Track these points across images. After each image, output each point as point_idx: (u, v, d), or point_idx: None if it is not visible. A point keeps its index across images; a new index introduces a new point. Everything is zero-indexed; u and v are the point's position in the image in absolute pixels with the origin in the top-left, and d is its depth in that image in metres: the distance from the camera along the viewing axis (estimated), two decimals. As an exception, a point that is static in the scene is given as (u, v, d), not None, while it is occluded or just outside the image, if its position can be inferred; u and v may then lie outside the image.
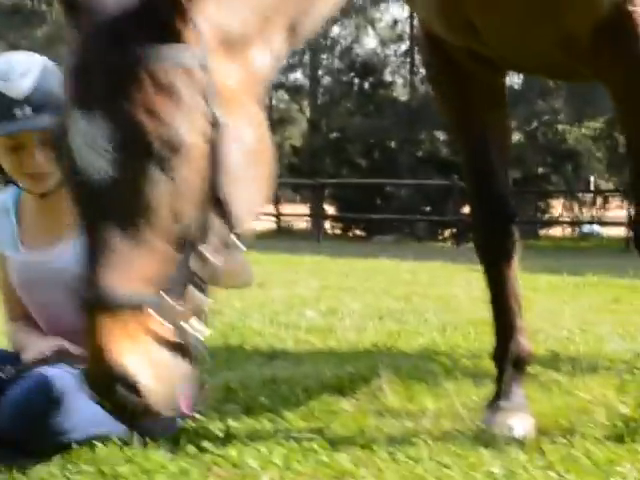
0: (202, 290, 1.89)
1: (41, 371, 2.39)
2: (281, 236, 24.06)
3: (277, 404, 3.16)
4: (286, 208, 30.71)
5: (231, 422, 2.86)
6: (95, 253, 1.80)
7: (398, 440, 2.74)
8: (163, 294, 1.79)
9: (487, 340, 4.54)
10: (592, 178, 29.92)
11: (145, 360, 1.77)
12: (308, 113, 34.04)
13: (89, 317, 1.78)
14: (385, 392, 3.27)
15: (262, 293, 7.04)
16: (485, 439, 2.75)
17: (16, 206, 2.75)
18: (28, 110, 2.46)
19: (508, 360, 2.98)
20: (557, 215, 29.53)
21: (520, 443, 2.71)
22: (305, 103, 35.20)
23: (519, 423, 2.86)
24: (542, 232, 26.19)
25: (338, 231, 27.29)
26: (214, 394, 3.18)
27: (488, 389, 3.29)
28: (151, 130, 1.75)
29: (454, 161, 24.47)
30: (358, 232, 26.76)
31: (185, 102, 1.79)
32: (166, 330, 1.80)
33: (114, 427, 2.47)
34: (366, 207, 24.16)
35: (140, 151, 1.77)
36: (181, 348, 1.84)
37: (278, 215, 28.44)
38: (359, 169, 28.31)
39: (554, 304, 6.76)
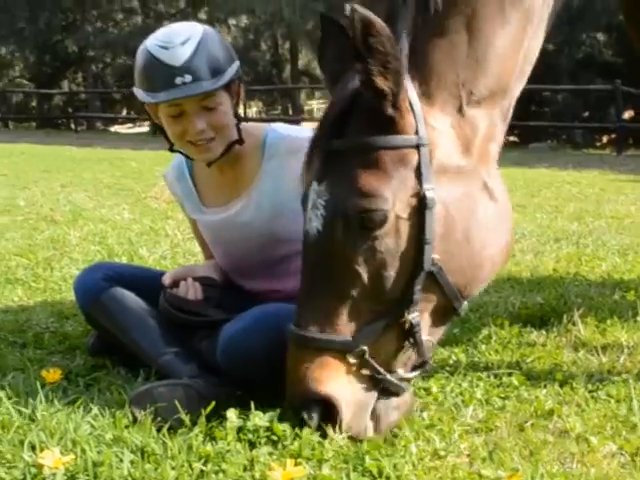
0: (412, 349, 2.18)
1: (260, 308, 2.47)
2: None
3: (468, 334, 3.20)
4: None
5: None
6: (307, 298, 2.13)
7: (596, 377, 2.72)
8: (361, 341, 2.08)
9: (673, 267, 4.42)
10: None
11: (341, 389, 2.09)
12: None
13: (295, 350, 2.12)
14: (578, 325, 3.24)
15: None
16: (689, 378, 2.69)
17: (190, 171, 2.88)
18: (188, 77, 2.48)
19: None
20: None
21: None
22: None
23: None
24: None
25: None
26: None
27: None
28: (359, 203, 2.03)
29: (617, 63, 23.24)
30: (512, 138, 26.01)
31: (394, 180, 2.04)
32: (363, 369, 2.12)
33: None
34: (521, 113, 23.35)
35: (348, 218, 2.05)
36: (378, 384, 2.15)
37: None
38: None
39: None
